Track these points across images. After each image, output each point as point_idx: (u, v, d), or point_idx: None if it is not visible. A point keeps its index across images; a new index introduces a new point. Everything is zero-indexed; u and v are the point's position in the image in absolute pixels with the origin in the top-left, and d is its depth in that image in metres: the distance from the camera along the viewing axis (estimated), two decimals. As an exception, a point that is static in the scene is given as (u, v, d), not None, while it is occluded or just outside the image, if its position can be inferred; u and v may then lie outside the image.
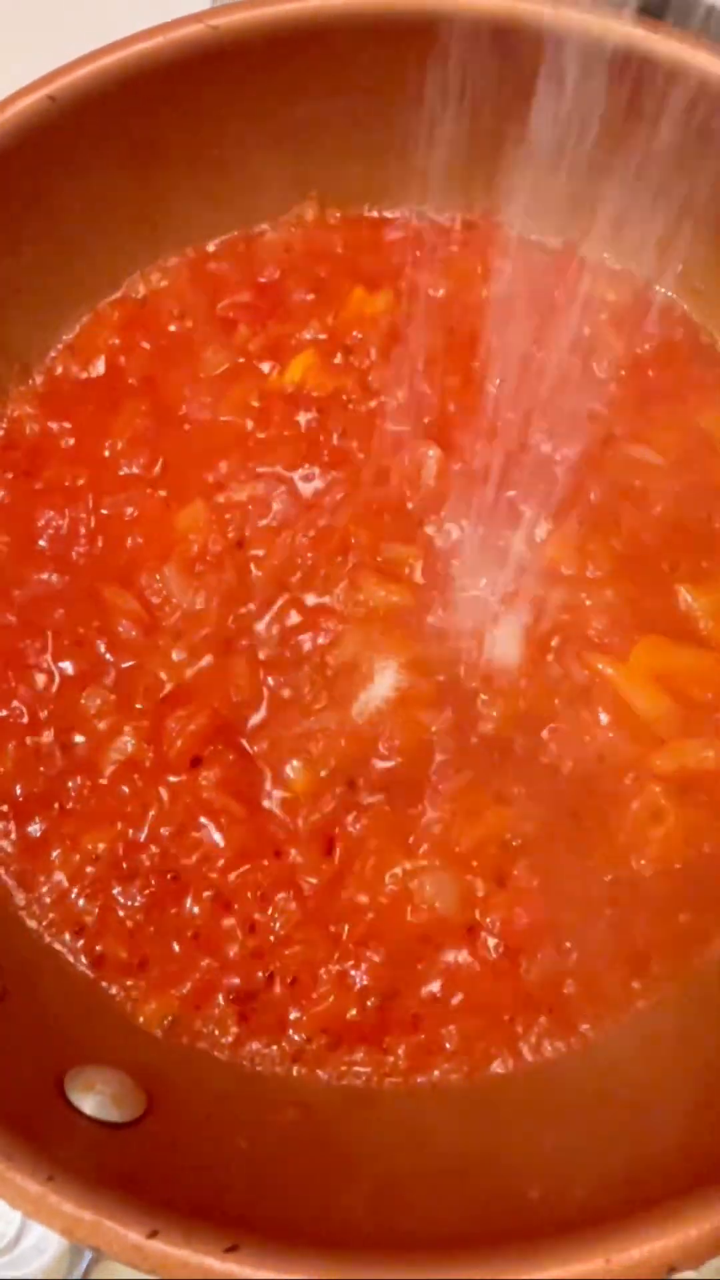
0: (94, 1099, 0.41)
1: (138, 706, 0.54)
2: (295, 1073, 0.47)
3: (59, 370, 0.63)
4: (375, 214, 0.71)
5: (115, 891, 0.51)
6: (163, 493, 0.59)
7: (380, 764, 0.53)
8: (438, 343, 0.66)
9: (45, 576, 0.57)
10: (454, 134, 0.68)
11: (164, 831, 0.52)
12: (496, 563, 0.58)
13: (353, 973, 0.49)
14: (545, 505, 0.60)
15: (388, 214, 0.71)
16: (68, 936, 0.50)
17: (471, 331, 0.67)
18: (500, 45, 0.59)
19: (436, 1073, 0.48)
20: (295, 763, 0.53)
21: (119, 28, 0.60)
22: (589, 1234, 0.36)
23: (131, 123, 0.59)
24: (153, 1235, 0.35)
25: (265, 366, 0.64)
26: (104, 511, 0.59)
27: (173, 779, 0.53)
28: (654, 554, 0.59)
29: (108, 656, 0.56)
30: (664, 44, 0.60)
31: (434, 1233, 0.39)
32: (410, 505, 0.60)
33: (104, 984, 0.49)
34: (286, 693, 0.55)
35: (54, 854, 0.51)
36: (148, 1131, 0.41)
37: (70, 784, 0.53)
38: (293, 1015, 0.49)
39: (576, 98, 0.55)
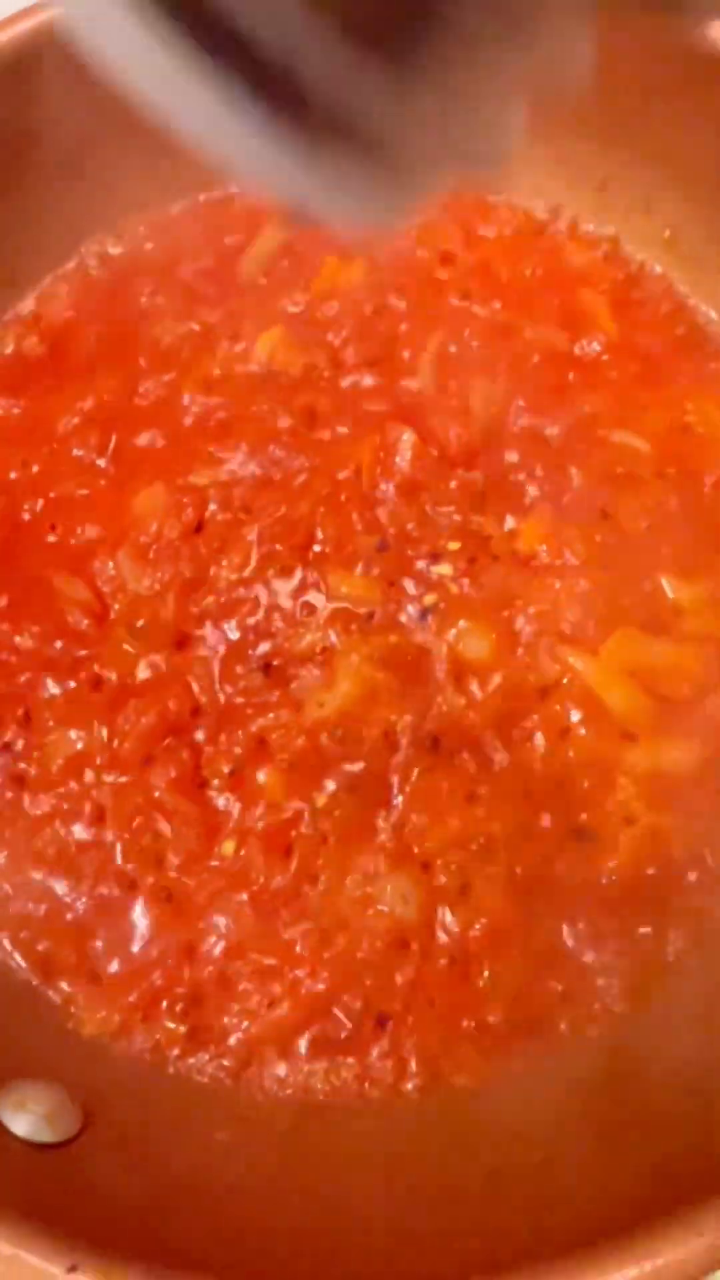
0: (26, 1119, 0.40)
1: (88, 701, 0.52)
2: (243, 1085, 0.46)
3: (9, 346, 0.60)
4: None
5: (63, 894, 0.49)
6: (114, 473, 0.56)
7: (341, 763, 0.51)
8: (416, 318, 0.63)
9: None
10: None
11: (114, 832, 0.50)
12: (468, 551, 0.55)
13: (307, 981, 0.48)
14: (522, 491, 0.57)
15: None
16: (8, 941, 0.48)
17: (451, 305, 0.64)
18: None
19: (391, 1086, 0.46)
20: (251, 762, 0.51)
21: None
22: (557, 1266, 0.35)
23: (81, 79, 0.55)
24: (72, 1270, 0.33)
25: (230, 341, 0.61)
26: (53, 494, 0.56)
27: (123, 777, 0.51)
28: (636, 543, 0.57)
29: (56, 647, 0.53)
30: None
31: (389, 1270, 0.38)
32: (381, 491, 0.57)
33: (47, 991, 0.47)
34: (244, 688, 0.52)
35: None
36: (80, 1152, 0.39)
37: (15, 780, 0.51)
38: (244, 1024, 0.47)
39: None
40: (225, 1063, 0.46)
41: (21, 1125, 0.40)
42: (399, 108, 0.17)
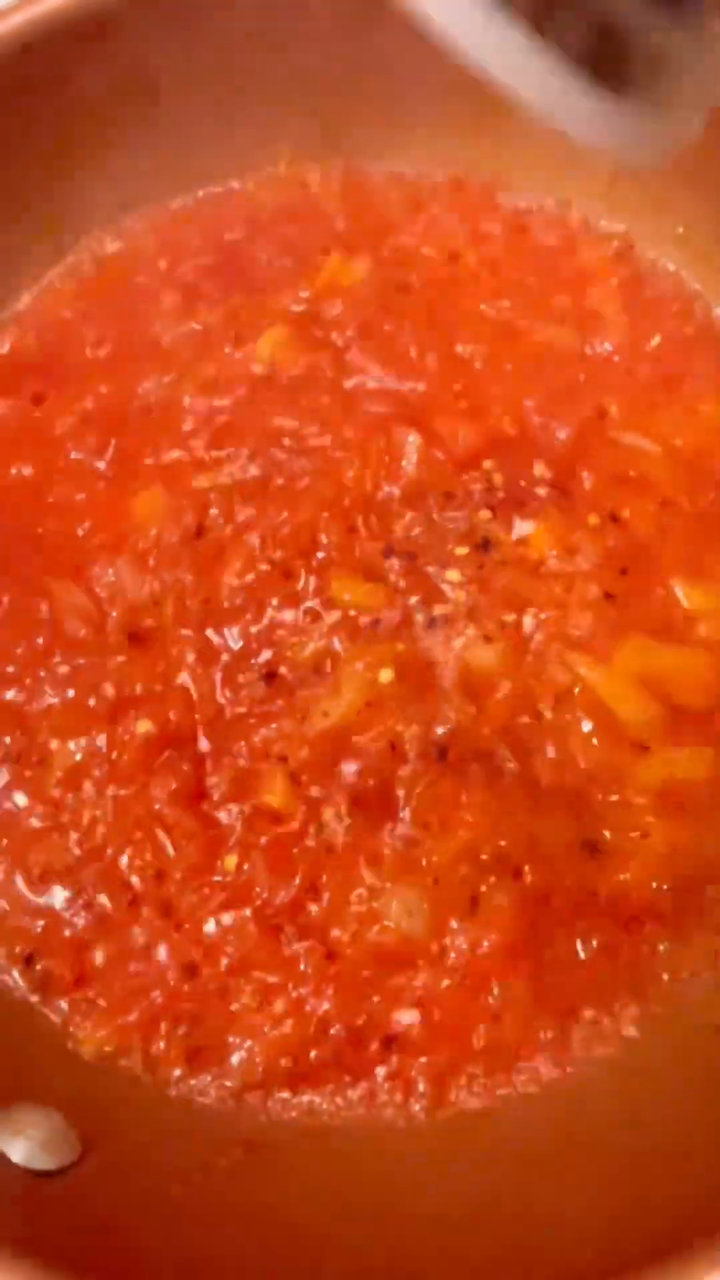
0: (24, 1145, 0.39)
1: (86, 711, 0.51)
2: (244, 1107, 0.45)
3: (4, 345, 0.59)
4: (354, 169, 0.65)
5: (60, 909, 0.48)
6: (113, 476, 0.55)
7: (346, 774, 0.50)
8: (421, 317, 0.61)
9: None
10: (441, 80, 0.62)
11: (113, 845, 0.49)
12: (476, 556, 0.54)
13: (311, 999, 0.46)
14: (531, 494, 0.56)
15: (367, 169, 0.66)
16: (4, 958, 0.47)
17: (458, 303, 0.62)
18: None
19: (398, 1107, 0.45)
20: (254, 774, 0.49)
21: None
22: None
23: (75, 71, 0.54)
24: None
25: (231, 341, 0.59)
26: (50, 498, 0.55)
27: (123, 790, 0.49)
28: (648, 548, 0.55)
29: (54, 657, 0.52)
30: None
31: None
32: (386, 495, 0.55)
33: (45, 1010, 0.46)
34: (246, 697, 0.51)
35: (-6, 870, 0.48)
36: (76, 1181, 0.38)
37: (12, 793, 0.50)
38: (246, 1044, 0.46)
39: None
40: (228, 1084, 0.45)
41: (19, 1152, 0.38)
42: (677, 47, 0.26)
